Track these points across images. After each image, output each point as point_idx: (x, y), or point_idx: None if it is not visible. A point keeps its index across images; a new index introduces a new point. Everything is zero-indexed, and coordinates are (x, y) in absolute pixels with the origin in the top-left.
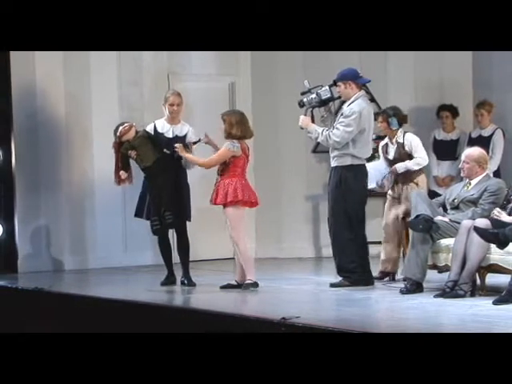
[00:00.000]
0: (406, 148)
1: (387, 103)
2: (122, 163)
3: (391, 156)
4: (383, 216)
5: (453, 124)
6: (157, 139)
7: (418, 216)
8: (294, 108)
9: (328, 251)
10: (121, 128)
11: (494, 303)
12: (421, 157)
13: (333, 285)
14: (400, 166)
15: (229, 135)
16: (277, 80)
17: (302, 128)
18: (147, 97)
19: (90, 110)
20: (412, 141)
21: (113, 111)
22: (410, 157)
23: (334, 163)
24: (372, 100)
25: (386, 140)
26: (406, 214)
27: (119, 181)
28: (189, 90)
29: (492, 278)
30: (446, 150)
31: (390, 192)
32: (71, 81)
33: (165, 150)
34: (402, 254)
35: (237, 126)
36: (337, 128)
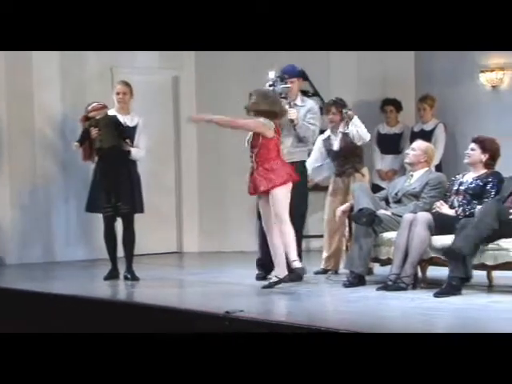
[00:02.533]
0: (353, 138)
1: (330, 97)
2: (82, 138)
3: (336, 147)
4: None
5: (396, 118)
6: (123, 131)
7: (360, 209)
8: (238, 102)
9: None
10: (95, 104)
11: (435, 296)
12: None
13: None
14: (357, 119)
15: None
16: (221, 74)
17: (292, 121)
18: (90, 90)
19: (32, 108)
20: (356, 123)
21: (55, 106)
22: (354, 147)
23: (293, 158)
24: (315, 94)
25: (328, 133)
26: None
27: (84, 156)
28: (132, 83)
29: (433, 271)
30: (389, 144)
31: (330, 187)
32: (13, 80)
33: (127, 141)
34: (345, 248)
35: None
36: (313, 124)
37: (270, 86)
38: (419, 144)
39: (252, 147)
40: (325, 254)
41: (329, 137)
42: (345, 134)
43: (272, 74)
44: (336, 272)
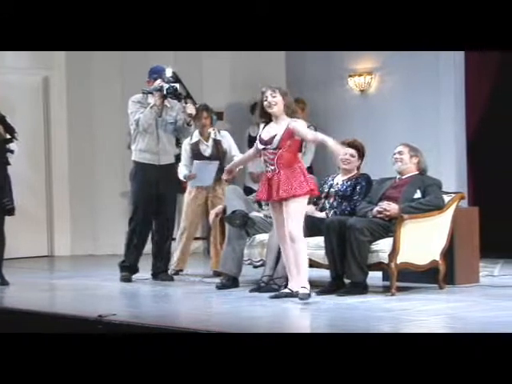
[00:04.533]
0: (224, 146)
1: (203, 100)
2: None
3: (208, 153)
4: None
5: None
6: (9, 125)
7: (233, 212)
8: (109, 103)
9: (148, 247)
10: None
11: (318, 294)
12: (238, 156)
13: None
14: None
15: None
16: (92, 74)
17: (190, 115)
18: None
19: None
20: (228, 139)
21: None
22: (224, 153)
23: (167, 160)
24: (188, 97)
25: (198, 137)
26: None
27: None
28: (0, 84)
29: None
30: None
31: (192, 193)
32: None
33: (14, 135)
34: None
35: None
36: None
37: (167, 82)
38: None
39: (275, 148)
40: (179, 256)
41: (198, 141)
42: (218, 141)
43: (169, 72)
44: (181, 271)
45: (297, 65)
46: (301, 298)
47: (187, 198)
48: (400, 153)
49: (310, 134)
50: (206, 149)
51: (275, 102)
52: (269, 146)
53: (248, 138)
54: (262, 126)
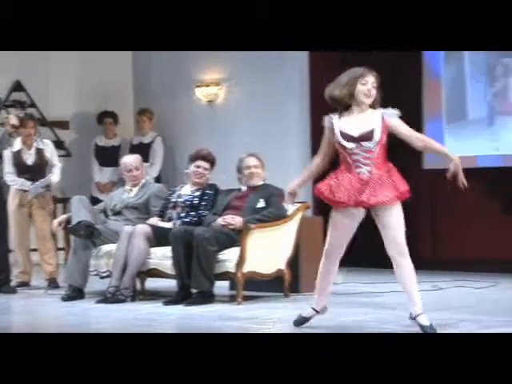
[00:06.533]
0: (47, 154)
1: (48, 109)
2: None
3: (30, 162)
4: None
5: (114, 130)
6: None
7: (79, 222)
8: None
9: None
10: None
11: (165, 304)
12: (59, 167)
13: None
14: (54, 181)
15: None
16: None
17: (14, 126)
18: None
19: None
20: (52, 148)
21: None
22: (47, 162)
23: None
24: (33, 106)
25: (20, 146)
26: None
27: None
28: None
29: (151, 283)
30: (107, 157)
31: (16, 201)
32: None
33: None
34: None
35: None
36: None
37: None
38: (136, 159)
39: (377, 143)
40: (20, 269)
41: (21, 150)
42: (40, 150)
43: None
44: (56, 286)
45: (144, 74)
46: (428, 331)
47: (11, 206)
48: (256, 166)
49: (414, 132)
50: (29, 157)
51: (374, 93)
52: (365, 143)
53: (95, 147)
54: (334, 119)
